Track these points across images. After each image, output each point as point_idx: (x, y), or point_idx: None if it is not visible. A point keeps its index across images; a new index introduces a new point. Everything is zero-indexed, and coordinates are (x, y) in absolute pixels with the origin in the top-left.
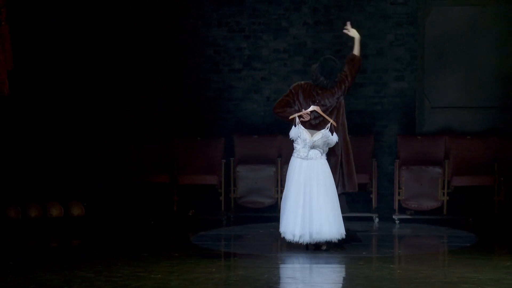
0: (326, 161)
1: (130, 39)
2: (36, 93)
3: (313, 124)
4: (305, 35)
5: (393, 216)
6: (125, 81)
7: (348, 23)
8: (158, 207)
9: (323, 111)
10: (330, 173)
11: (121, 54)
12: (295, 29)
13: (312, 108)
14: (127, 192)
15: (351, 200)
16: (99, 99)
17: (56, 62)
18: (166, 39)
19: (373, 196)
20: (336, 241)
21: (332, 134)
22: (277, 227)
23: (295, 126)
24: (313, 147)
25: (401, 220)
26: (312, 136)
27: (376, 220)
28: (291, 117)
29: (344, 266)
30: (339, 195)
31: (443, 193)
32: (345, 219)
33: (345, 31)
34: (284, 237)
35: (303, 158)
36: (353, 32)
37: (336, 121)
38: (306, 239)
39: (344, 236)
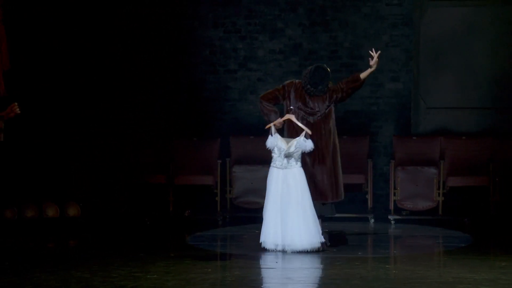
0: (301, 170)
1: (127, 39)
2: (33, 94)
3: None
4: (301, 36)
5: (389, 217)
6: (122, 82)
7: (377, 53)
8: (154, 208)
9: (310, 115)
10: (305, 181)
11: (118, 55)
12: (291, 30)
13: (287, 116)
14: (123, 192)
15: (346, 200)
16: (96, 100)
17: (53, 62)
18: (162, 40)
19: (369, 197)
20: (309, 250)
21: (306, 141)
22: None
23: (272, 135)
24: (287, 156)
25: (396, 221)
26: (288, 144)
27: (372, 220)
28: (267, 126)
29: (340, 266)
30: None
31: (439, 193)
32: (339, 220)
33: (370, 52)
34: (264, 247)
35: (279, 168)
36: (374, 62)
37: (325, 128)
38: (280, 248)
39: (317, 246)
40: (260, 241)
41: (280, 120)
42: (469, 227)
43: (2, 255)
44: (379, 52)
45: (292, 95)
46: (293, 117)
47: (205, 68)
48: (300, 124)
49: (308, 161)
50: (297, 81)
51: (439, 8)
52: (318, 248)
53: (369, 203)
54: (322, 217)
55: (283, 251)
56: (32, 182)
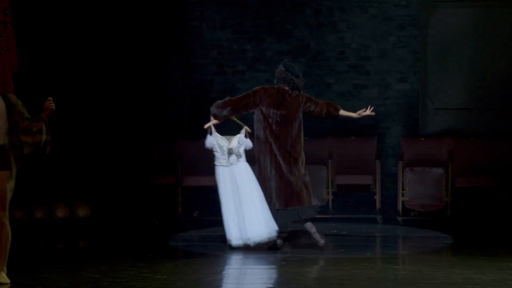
0: (246, 164)
1: (135, 40)
2: (41, 94)
3: (276, 131)
4: (308, 37)
5: (397, 218)
6: (130, 83)
7: (370, 110)
8: (163, 209)
9: (286, 117)
10: (252, 175)
11: (126, 56)
12: (299, 31)
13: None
14: (133, 193)
15: (354, 201)
16: (104, 100)
17: (61, 63)
18: (171, 41)
19: (377, 198)
20: (268, 240)
21: (247, 139)
22: (280, 231)
23: (210, 134)
24: (230, 152)
25: (405, 221)
26: (228, 141)
27: (380, 221)
28: (206, 126)
29: (348, 267)
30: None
31: (447, 194)
32: (347, 221)
33: (365, 112)
34: (231, 245)
35: (224, 166)
36: (362, 115)
37: (297, 134)
38: (243, 243)
39: (274, 234)
40: (227, 240)
41: (215, 121)
42: (477, 228)
43: (12, 255)
44: (372, 110)
45: (264, 103)
46: (233, 117)
47: (213, 69)
48: (239, 122)
49: (283, 166)
50: (267, 86)
51: (446, 9)
52: (276, 237)
53: (377, 204)
54: (310, 219)
55: (246, 245)
56: (41, 183)
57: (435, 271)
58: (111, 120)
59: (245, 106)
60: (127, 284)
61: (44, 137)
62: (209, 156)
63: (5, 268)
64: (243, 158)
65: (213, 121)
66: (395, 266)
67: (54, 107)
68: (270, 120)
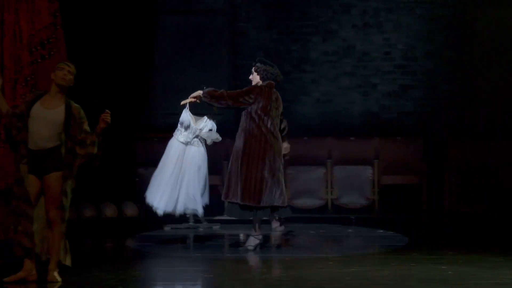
0: (203, 150)
1: (182, 41)
2: (90, 92)
3: (270, 128)
4: (354, 37)
5: (443, 217)
6: (178, 83)
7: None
8: None
9: (277, 113)
10: (204, 161)
11: (173, 57)
12: (344, 31)
13: (197, 93)
14: None
15: (401, 201)
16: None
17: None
18: (217, 41)
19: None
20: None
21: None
22: (328, 229)
23: (187, 110)
24: (196, 134)
25: (450, 221)
26: (196, 122)
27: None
28: (182, 102)
29: (396, 267)
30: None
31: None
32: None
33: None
34: (156, 212)
35: (182, 142)
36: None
37: (274, 133)
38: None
39: (202, 211)
40: (152, 205)
41: (194, 95)
42: None
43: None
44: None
45: (260, 104)
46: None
47: None
48: (215, 109)
49: (278, 163)
50: (263, 85)
51: (493, 8)
52: (202, 213)
53: (423, 204)
54: (280, 219)
55: (175, 213)
56: (90, 183)
57: (482, 272)
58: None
59: (242, 103)
60: (176, 282)
61: (95, 149)
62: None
63: (57, 267)
64: (202, 145)
65: (192, 100)
66: (443, 267)
67: (109, 119)
68: (265, 118)
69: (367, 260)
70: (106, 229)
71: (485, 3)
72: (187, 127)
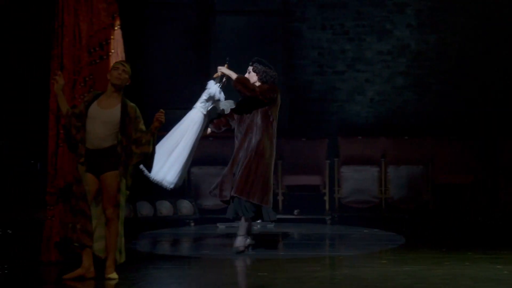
0: (201, 115)
1: (233, 42)
2: (144, 92)
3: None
4: (409, 37)
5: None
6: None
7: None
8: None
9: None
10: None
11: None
12: (399, 31)
13: (229, 72)
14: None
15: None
16: None
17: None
18: (272, 41)
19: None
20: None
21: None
22: (381, 229)
23: (215, 83)
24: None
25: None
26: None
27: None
28: (224, 71)
29: (450, 266)
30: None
31: None
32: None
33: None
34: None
35: (206, 115)
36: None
37: (266, 129)
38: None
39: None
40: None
41: (222, 69)
42: None
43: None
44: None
45: (279, 103)
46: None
47: (313, 70)
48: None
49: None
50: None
51: None
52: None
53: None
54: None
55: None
56: (146, 181)
57: None
58: None
59: (267, 99)
60: (228, 281)
61: (151, 148)
62: (310, 155)
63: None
64: (203, 106)
65: (221, 74)
66: (498, 266)
67: (164, 119)
68: (275, 120)
69: (420, 259)
70: (162, 226)
71: None
72: (210, 99)
